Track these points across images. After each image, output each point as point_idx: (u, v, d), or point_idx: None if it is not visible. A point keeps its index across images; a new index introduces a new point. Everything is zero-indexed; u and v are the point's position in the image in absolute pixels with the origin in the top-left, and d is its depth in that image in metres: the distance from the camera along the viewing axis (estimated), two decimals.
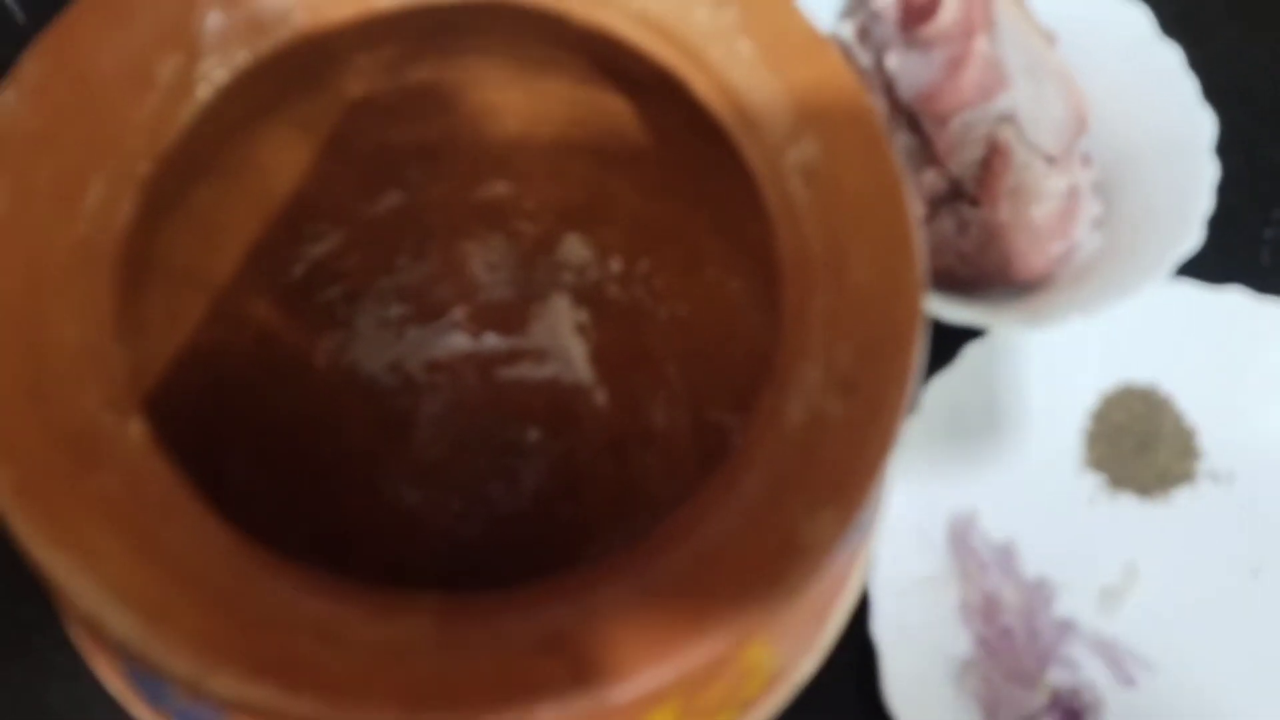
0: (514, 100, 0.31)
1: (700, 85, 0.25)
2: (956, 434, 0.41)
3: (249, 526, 0.22)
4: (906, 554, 0.39)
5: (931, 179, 0.40)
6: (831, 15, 0.44)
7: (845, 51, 0.43)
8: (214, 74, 0.24)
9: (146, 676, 0.23)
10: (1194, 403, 0.42)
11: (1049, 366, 0.42)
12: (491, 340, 0.38)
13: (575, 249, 0.36)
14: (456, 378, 0.38)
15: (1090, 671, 0.39)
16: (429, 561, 0.36)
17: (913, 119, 0.41)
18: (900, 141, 0.41)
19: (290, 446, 0.34)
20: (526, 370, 0.38)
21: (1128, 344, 0.42)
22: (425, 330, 0.37)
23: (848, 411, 0.22)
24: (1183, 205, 0.40)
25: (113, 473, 0.21)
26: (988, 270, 0.41)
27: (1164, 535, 0.41)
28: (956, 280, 0.41)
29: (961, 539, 0.40)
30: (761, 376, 0.23)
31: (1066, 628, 0.39)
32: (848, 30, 0.42)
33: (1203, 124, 0.42)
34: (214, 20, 0.24)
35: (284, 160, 0.31)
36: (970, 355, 0.41)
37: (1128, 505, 0.41)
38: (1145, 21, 0.43)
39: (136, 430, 0.21)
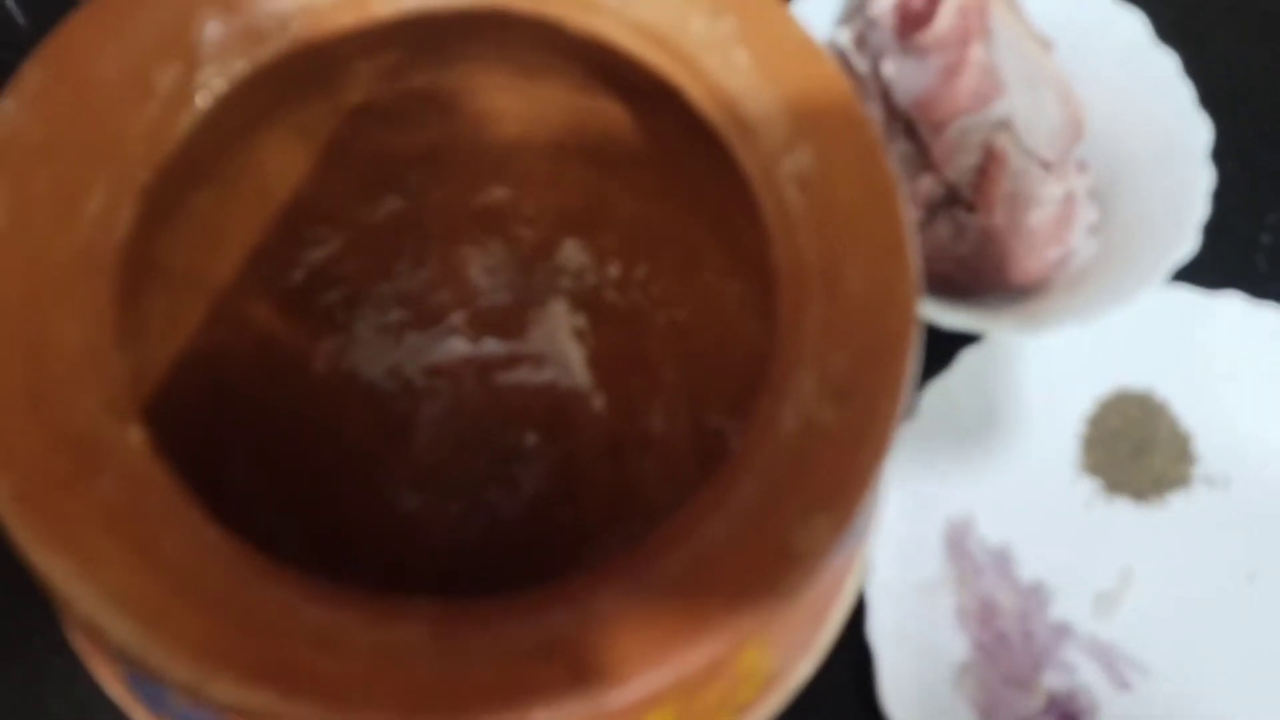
0: (512, 106, 0.32)
1: (696, 93, 0.25)
2: (953, 439, 0.41)
3: (249, 529, 0.22)
4: (903, 558, 0.39)
5: (928, 185, 0.41)
6: (829, 22, 0.44)
7: (843, 58, 0.43)
8: (213, 82, 0.24)
9: (146, 681, 0.23)
10: (1189, 408, 0.42)
11: (1045, 371, 0.42)
12: (490, 345, 0.38)
13: (573, 254, 0.36)
14: (455, 382, 0.38)
15: (1086, 675, 0.39)
16: (428, 564, 0.36)
17: (909, 125, 0.41)
18: (897, 147, 0.41)
19: (290, 450, 0.34)
20: (525, 375, 0.38)
21: (1124, 349, 0.42)
22: (424, 335, 0.37)
23: (842, 418, 0.22)
24: (1178, 211, 0.40)
25: (112, 478, 0.21)
26: (984, 275, 0.41)
27: (1159, 540, 0.41)
28: (953, 285, 0.41)
29: (958, 543, 0.40)
30: (759, 382, 0.23)
31: (1062, 632, 0.39)
32: (845, 37, 0.42)
33: (1198, 130, 0.42)
34: (213, 30, 0.24)
35: (284, 166, 0.31)
36: (966, 360, 0.41)
37: (1123, 510, 0.41)
38: (1141, 28, 0.43)
39: (136, 436, 0.21)
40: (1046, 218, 0.40)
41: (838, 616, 0.28)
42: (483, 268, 0.37)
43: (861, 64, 0.42)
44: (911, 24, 0.40)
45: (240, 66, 0.24)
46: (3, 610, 0.38)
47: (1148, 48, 0.43)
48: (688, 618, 0.21)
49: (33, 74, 0.23)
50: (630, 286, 0.36)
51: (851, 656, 0.37)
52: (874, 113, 0.42)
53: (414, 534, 0.36)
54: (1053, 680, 0.39)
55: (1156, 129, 0.43)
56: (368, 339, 0.36)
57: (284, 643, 0.20)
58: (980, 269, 0.41)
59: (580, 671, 0.20)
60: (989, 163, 0.40)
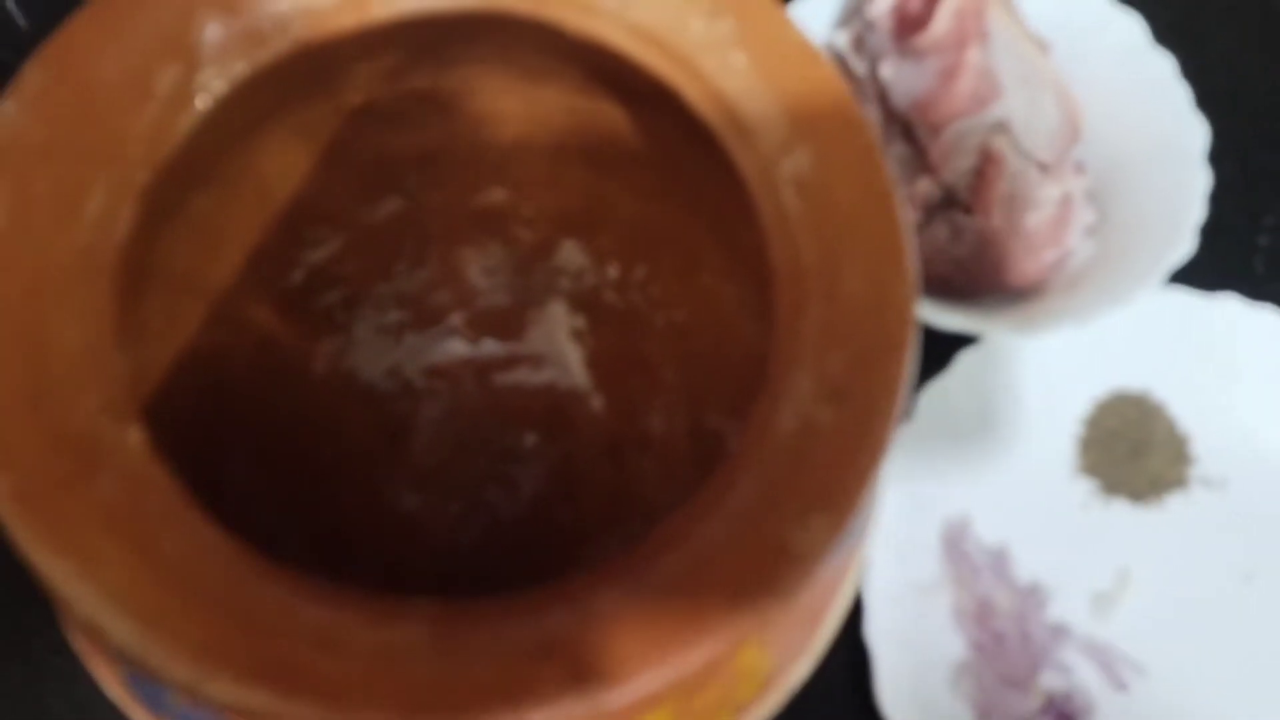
0: (512, 108, 0.32)
1: (694, 95, 0.25)
2: (950, 440, 0.41)
3: (249, 529, 0.22)
4: (901, 559, 0.39)
5: (926, 187, 0.41)
6: (827, 24, 0.44)
7: (840, 60, 0.43)
8: (213, 84, 0.24)
9: (145, 681, 0.23)
10: (1187, 409, 0.42)
11: (1042, 373, 0.42)
12: (489, 346, 0.38)
13: (572, 255, 0.36)
14: (454, 383, 0.38)
15: (1083, 675, 0.39)
16: (428, 564, 0.36)
17: (907, 127, 0.41)
18: (894, 150, 0.41)
19: (290, 450, 0.34)
20: (524, 375, 0.38)
21: (1121, 350, 0.42)
22: (423, 336, 0.37)
23: (839, 420, 0.22)
24: (1175, 213, 0.41)
25: (112, 478, 0.21)
26: (981, 277, 0.41)
27: (1157, 541, 0.41)
28: (950, 287, 0.41)
29: (955, 544, 0.40)
30: (757, 382, 0.23)
31: (1059, 632, 0.39)
32: (843, 39, 0.42)
33: (1195, 132, 0.42)
34: (213, 31, 0.24)
35: (283, 167, 0.31)
36: (964, 361, 0.41)
37: (1121, 511, 0.41)
38: (1138, 30, 0.44)
39: (136, 437, 0.21)
40: (1044, 219, 0.41)
41: (835, 617, 0.28)
42: (482, 269, 0.37)
43: (859, 66, 0.42)
44: (909, 26, 0.40)
45: (240, 68, 0.24)
46: (3, 610, 0.38)
47: (1145, 50, 0.43)
48: (686, 618, 0.21)
49: (33, 75, 0.23)
50: (629, 287, 0.36)
51: (849, 657, 0.38)
52: (871, 115, 0.42)
53: (414, 534, 0.36)
54: (1050, 680, 0.39)
55: (1153, 131, 0.43)
56: (367, 340, 0.37)
57: (283, 642, 0.20)
58: (978, 271, 0.41)
59: (579, 671, 0.20)
60: (986, 165, 0.40)
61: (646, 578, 0.21)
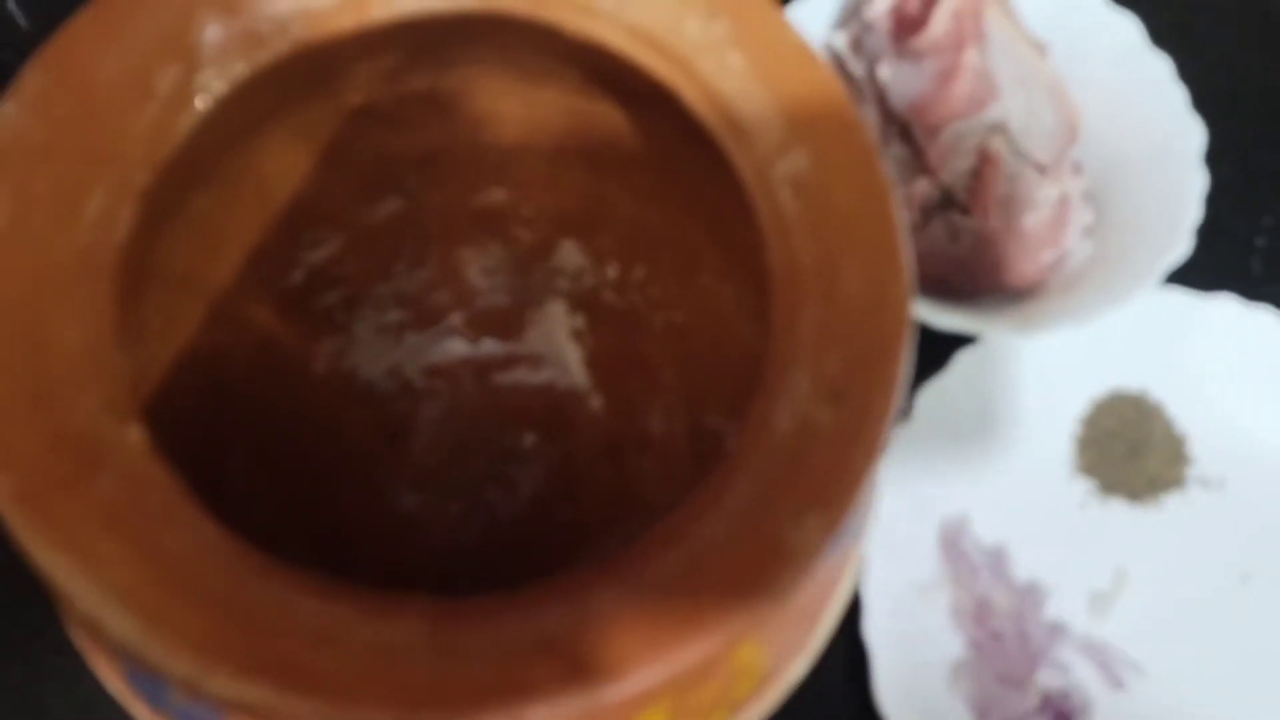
0: (511, 109, 0.32)
1: (691, 96, 0.25)
2: (948, 439, 0.41)
3: (249, 528, 0.22)
4: (898, 558, 0.39)
5: (923, 188, 0.41)
6: (825, 25, 0.44)
7: (838, 61, 0.43)
8: (213, 85, 0.24)
9: (146, 677, 0.24)
10: (1184, 409, 0.42)
11: (1040, 373, 0.42)
12: (488, 346, 0.38)
13: (571, 255, 0.36)
14: (454, 383, 0.38)
15: (1080, 674, 0.39)
16: (428, 564, 0.36)
17: (905, 129, 0.41)
18: (892, 151, 0.42)
19: (290, 450, 0.34)
20: (523, 375, 0.38)
21: (1118, 351, 0.42)
22: (423, 336, 0.37)
23: (836, 420, 0.22)
24: (1172, 213, 0.41)
25: (112, 477, 0.21)
26: (979, 278, 0.41)
27: (1154, 540, 0.41)
28: (948, 287, 0.42)
29: (953, 543, 0.40)
30: (755, 383, 0.23)
31: (1057, 631, 0.39)
32: (841, 41, 0.42)
33: (1192, 133, 0.42)
34: (213, 32, 0.24)
35: (283, 167, 0.31)
36: (962, 361, 0.41)
37: (1118, 510, 0.42)
38: (1135, 31, 0.44)
39: (136, 435, 0.21)
40: (1041, 220, 0.41)
41: (832, 615, 0.28)
42: (481, 269, 0.37)
43: (857, 67, 0.42)
44: (907, 28, 0.40)
45: (240, 69, 0.25)
46: (3, 610, 0.38)
47: (1142, 51, 0.43)
48: (683, 615, 0.21)
49: (34, 76, 0.23)
50: (628, 288, 0.36)
51: (847, 655, 0.38)
52: (869, 116, 0.42)
53: (413, 534, 0.36)
54: (1047, 679, 0.39)
55: (1150, 132, 0.43)
56: (367, 339, 0.37)
57: (282, 639, 0.20)
58: (975, 271, 0.41)
59: (576, 668, 0.20)
60: (984, 166, 0.40)
61: (644, 575, 0.21)
